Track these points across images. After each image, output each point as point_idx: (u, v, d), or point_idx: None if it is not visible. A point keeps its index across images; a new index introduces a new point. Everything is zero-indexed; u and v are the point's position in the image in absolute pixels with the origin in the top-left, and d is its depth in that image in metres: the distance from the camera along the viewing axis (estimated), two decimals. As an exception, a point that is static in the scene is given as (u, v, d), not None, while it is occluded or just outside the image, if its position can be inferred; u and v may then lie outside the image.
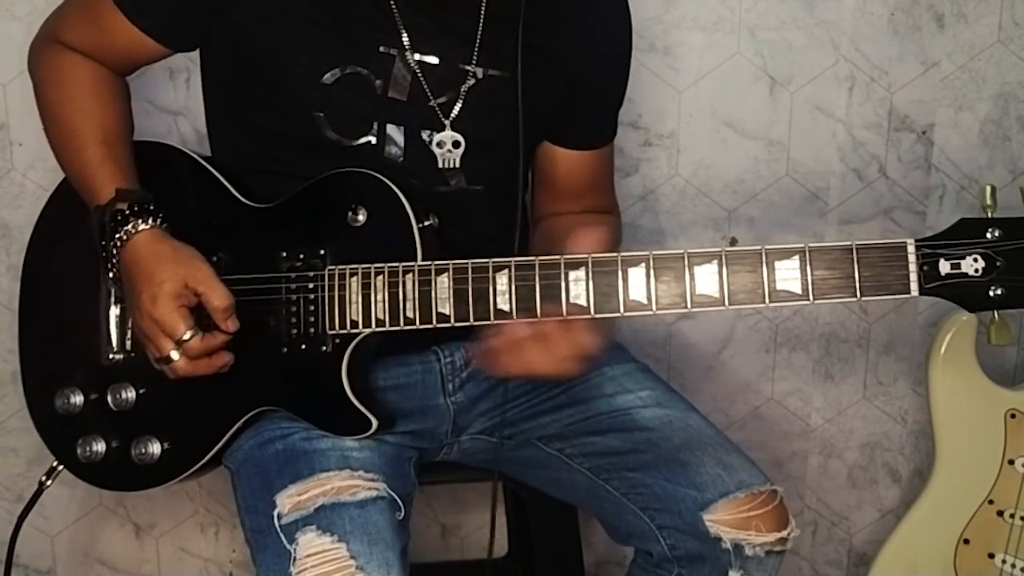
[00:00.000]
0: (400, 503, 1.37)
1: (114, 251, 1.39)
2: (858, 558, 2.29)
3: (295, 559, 1.29)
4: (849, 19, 2.03)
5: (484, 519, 2.19)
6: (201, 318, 1.37)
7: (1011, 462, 1.95)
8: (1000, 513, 1.96)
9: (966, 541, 1.98)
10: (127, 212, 1.38)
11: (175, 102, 1.95)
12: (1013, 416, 1.94)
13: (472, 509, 2.20)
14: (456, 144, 1.46)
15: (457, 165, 1.47)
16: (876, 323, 2.17)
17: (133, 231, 1.38)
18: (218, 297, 1.35)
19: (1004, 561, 1.98)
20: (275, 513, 1.32)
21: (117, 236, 1.38)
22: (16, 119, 1.91)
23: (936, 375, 1.94)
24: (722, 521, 1.42)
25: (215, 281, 1.36)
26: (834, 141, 2.09)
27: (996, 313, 1.23)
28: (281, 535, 1.31)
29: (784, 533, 1.45)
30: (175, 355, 1.35)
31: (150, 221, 1.38)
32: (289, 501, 1.33)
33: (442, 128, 1.46)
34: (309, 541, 1.29)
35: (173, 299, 1.34)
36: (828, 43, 2.04)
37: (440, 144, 1.46)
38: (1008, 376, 2.17)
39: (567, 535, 1.81)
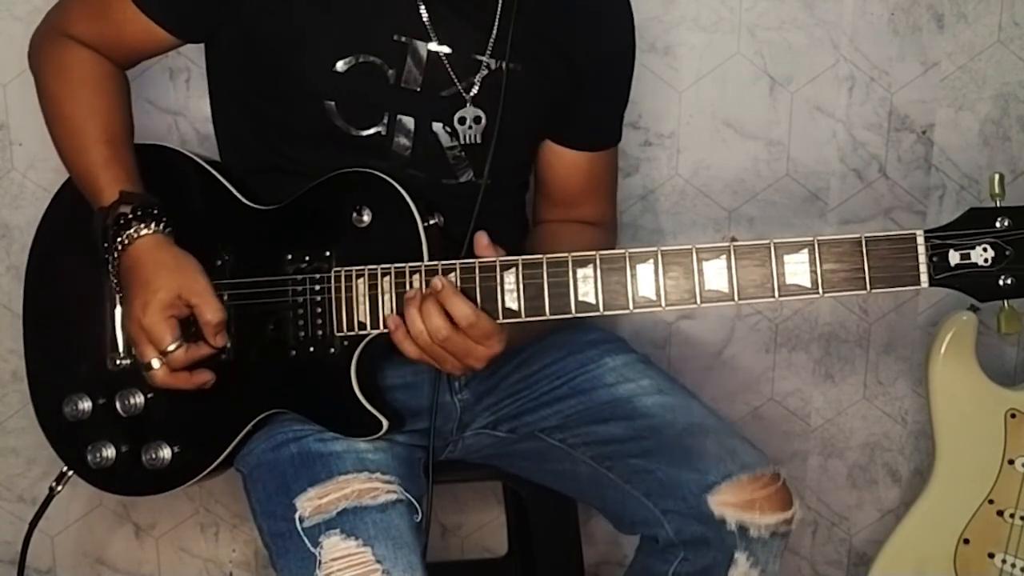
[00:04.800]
0: (417, 506, 1.37)
1: (115, 254, 1.39)
2: (858, 558, 2.29)
3: (320, 563, 1.29)
4: (849, 19, 2.03)
5: (484, 519, 2.20)
6: (190, 329, 1.37)
7: (1011, 462, 1.95)
8: (1000, 513, 1.96)
9: (966, 541, 1.98)
10: (130, 216, 1.38)
11: (175, 102, 1.95)
12: (1013, 416, 1.94)
13: (472, 509, 2.21)
14: (477, 120, 1.46)
15: (479, 140, 1.46)
16: (876, 323, 2.18)
17: (136, 236, 1.37)
18: (211, 311, 1.36)
19: (1004, 561, 1.98)
20: (296, 516, 1.32)
21: (119, 240, 1.38)
22: (16, 119, 1.91)
23: (936, 375, 1.94)
24: (726, 503, 1.42)
25: (210, 295, 1.36)
26: (834, 141, 2.09)
27: (1006, 302, 1.22)
28: (304, 538, 1.31)
29: (788, 514, 1.45)
30: (156, 364, 1.36)
31: (153, 226, 1.38)
32: (310, 504, 1.33)
33: (463, 104, 1.46)
34: (334, 545, 1.29)
35: (164, 309, 1.35)
36: (828, 43, 2.04)
37: (462, 120, 1.46)
38: (1008, 376, 2.17)
39: (567, 534, 1.81)
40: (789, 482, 1.49)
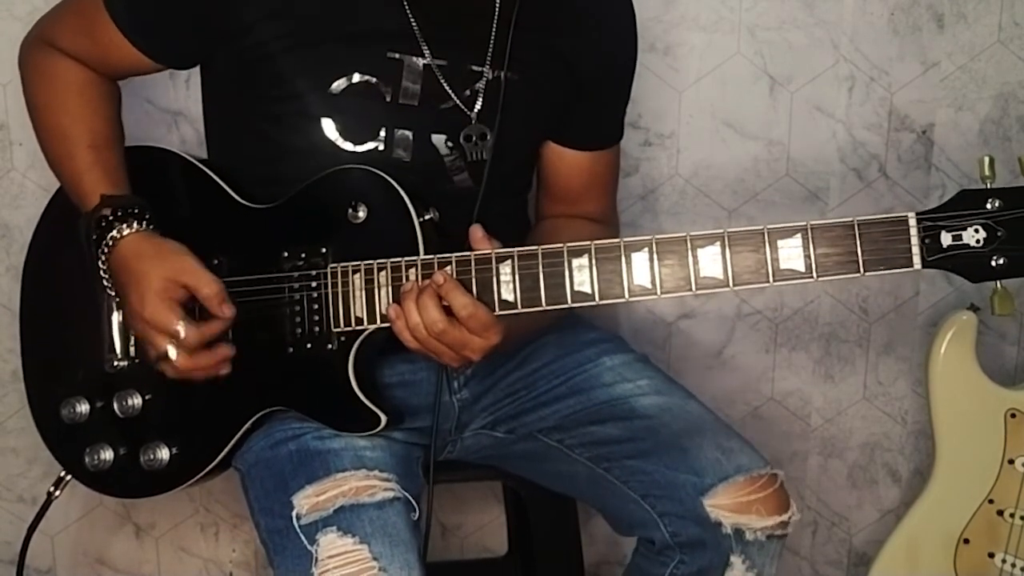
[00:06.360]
0: (414, 504, 1.37)
1: (102, 257, 1.40)
2: (858, 558, 2.29)
3: (317, 560, 1.29)
4: (849, 19, 2.03)
5: (484, 519, 2.20)
6: (197, 311, 1.37)
7: (1011, 462, 1.95)
8: (1000, 513, 1.96)
9: (966, 541, 1.98)
10: (111, 218, 1.38)
11: (175, 102, 1.95)
12: (1013, 416, 1.94)
13: (472, 509, 2.21)
14: (483, 136, 1.46)
15: (485, 156, 1.46)
16: (876, 323, 2.17)
17: (118, 236, 1.38)
18: (206, 284, 1.35)
19: (1004, 561, 1.98)
20: (293, 514, 1.32)
21: (103, 243, 1.39)
22: (16, 119, 1.91)
23: (936, 375, 1.94)
24: (722, 505, 1.42)
25: (200, 270, 1.36)
26: (834, 141, 2.09)
27: (999, 283, 1.22)
28: (301, 536, 1.31)
29: (785, 517, 1.45)
30: (172, 351, 1.35)
31: (135, 225, 1.39)
32: (307, 502, 1.33)
33: (468, 122, 1.46)
34: (330, 542, 1.29)
35: (160, 295, 1.35)
36: (828, 43, 2.04)
37: (468, 138, 1.46)
38: (1008, 376, 2.17)
39: (567, 534, 1.81)
40: (787, 483, 1.49)
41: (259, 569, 2.17)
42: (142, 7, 1.45)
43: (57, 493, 1.59)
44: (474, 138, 1.47)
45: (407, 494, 1.37)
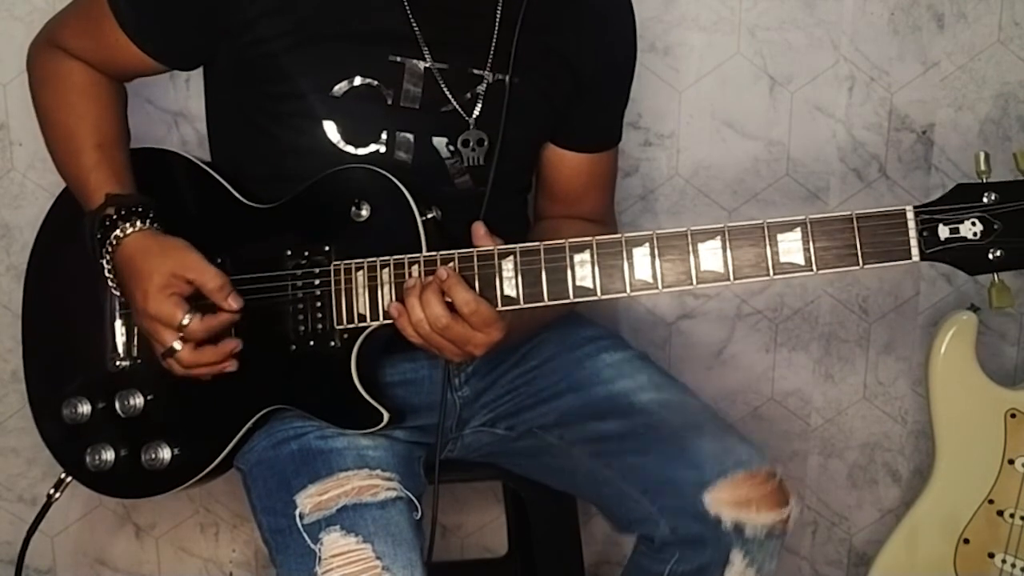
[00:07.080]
0: (417, 503, 1.38)
1: (106, 257, 1.40)
2: (858, 558, 2.29)
3: (320, 559, 1.29)
4: (849, 19, 2.03)
5: (484, 519, 2.20)
6: (202, 307, 1.37)
7: (1011, 462, 1.95)
8: (1000, 513, 1.96)
9: (966, 541, 1.98)
10: (115, 217, 1.39)
11: (175, 103, 1.95)
12: (1013, 416, 1.94)
13: (472, 509, 2.21)
14: (480, 142, 1.47)
15: (482, 162, 1.47)
16: (876, 323, 2.18)
17: (122, 235, 1.39)
18: (211, 278, 1.36)
19: (1004, 561, 1.98)
20: (296, 513, 1.33)
21: (108, 242, 1.39)
22: (16, 119, 1.91)
23: (936, 375, 1.94)
24: (722, 501, 1.42)
25: (204, 264, 1.36)
26: (834, 141, 2.09)
27: (996, 276, 1.23)
28: (304, 535, 1.31)
29: (784, 513, 1.45)
30: (178, 345, 1.36)
31: (138, 224, 1.39)
32: (310, 501, 1.33)
33: (466, 127, 1.46)
34: (334, 541, 1.30)
35: (163, 290, 1.35)
36: (828, 43, 2.04)
37: (466, 143, 1.46)
38: (1008, 376, 2.17)
39: (567, 534, 1.81)
40: (787, 479, 1.49)
41: (259, 569, 2.17)
42: (145, 8, 1.45)
43: (57, 495, 1.59)
44: (472, 143, 1.47)
45: (409, 493, 1.37)
